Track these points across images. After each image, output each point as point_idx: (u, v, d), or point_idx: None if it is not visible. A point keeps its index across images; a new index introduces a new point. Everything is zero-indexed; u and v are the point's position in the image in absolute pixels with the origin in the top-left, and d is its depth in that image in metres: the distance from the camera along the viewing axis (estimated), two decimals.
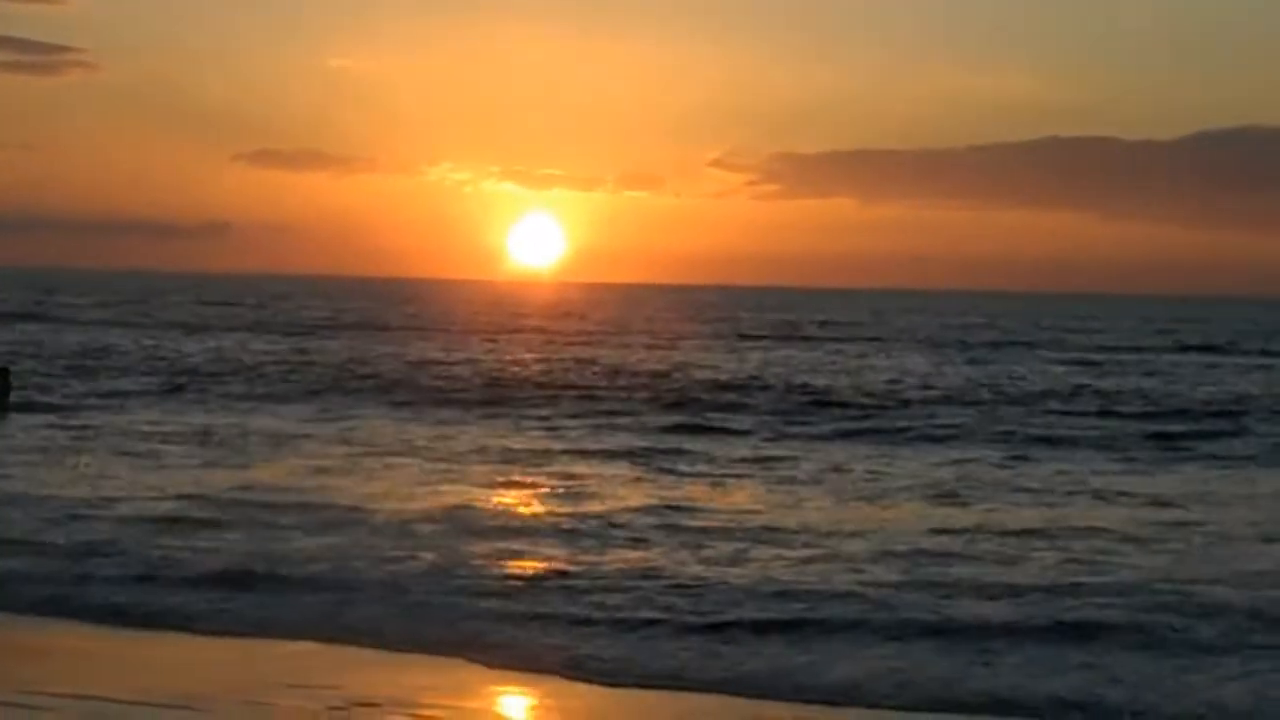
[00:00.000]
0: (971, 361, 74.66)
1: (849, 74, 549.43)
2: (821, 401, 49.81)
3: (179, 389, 50.35)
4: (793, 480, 30.92)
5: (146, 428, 38.50)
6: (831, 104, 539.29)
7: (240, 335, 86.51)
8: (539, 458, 34.12)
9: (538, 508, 26.65)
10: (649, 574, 20.46)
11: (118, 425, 39.08)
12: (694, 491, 28.99)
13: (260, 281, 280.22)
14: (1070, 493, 30.05)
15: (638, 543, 23.02)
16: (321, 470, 30.91)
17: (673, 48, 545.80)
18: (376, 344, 79.87)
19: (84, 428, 38.36)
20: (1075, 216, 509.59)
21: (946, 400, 51.22)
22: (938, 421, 43.69)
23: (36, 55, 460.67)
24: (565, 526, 24.47)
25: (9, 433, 37.48)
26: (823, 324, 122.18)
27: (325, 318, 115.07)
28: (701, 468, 33.08)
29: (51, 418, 40.91)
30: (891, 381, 58.92)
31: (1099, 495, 29.61)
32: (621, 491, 28.76)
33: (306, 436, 37.33)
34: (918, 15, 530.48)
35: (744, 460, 34.38)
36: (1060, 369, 69.80)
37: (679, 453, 35.35)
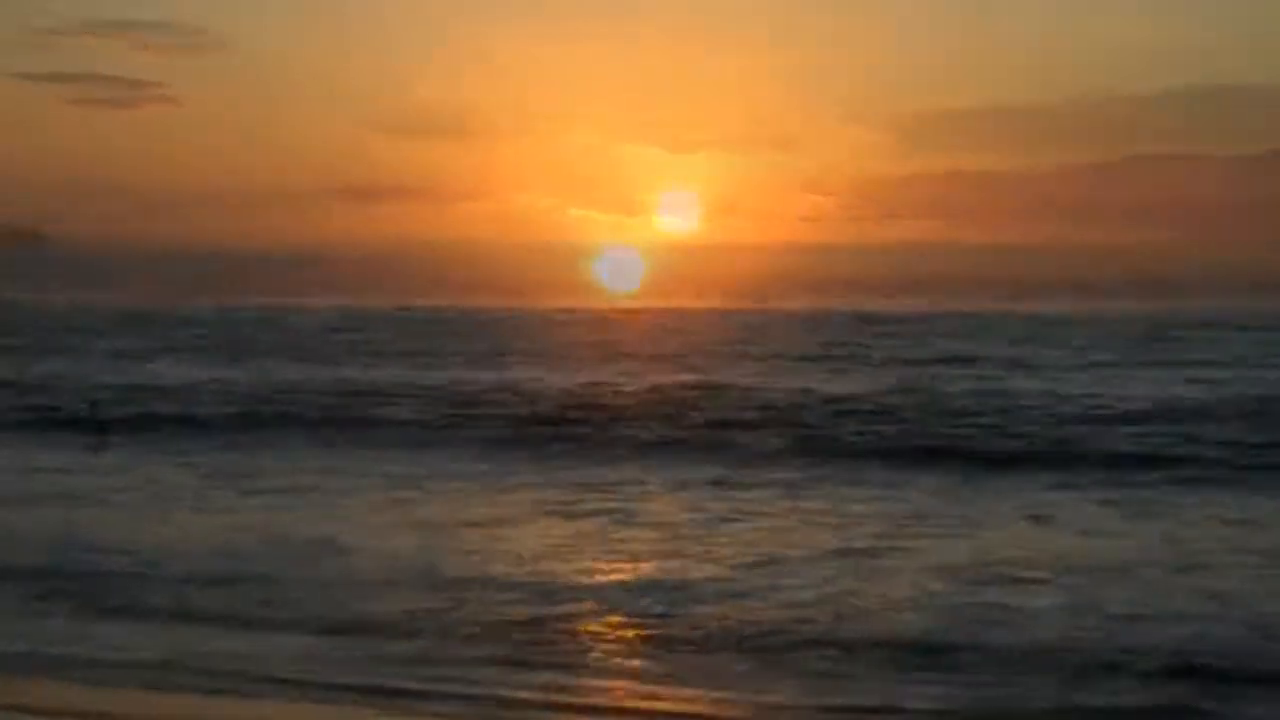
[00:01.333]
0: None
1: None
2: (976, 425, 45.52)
3: (263, 422, 47.41)
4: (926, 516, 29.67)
5: (240, 465, 37.39)
6: None
7: (335, 363, 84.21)
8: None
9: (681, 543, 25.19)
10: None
11: (210, 462, 38.03)
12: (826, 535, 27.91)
13: (358, 312, 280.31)
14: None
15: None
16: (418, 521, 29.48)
17: None
18: (494, 370, 77.88)
19: (179, 465, 37.61)
20: None
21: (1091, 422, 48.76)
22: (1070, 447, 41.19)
23: (180, 38, 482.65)
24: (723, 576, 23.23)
25: (104, 467, 36.82)
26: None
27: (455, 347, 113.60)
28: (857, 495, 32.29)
29: (155, 452, 40.02)
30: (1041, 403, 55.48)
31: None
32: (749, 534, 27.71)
33: (447, 482, 34.95)
34: None
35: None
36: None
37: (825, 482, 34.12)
